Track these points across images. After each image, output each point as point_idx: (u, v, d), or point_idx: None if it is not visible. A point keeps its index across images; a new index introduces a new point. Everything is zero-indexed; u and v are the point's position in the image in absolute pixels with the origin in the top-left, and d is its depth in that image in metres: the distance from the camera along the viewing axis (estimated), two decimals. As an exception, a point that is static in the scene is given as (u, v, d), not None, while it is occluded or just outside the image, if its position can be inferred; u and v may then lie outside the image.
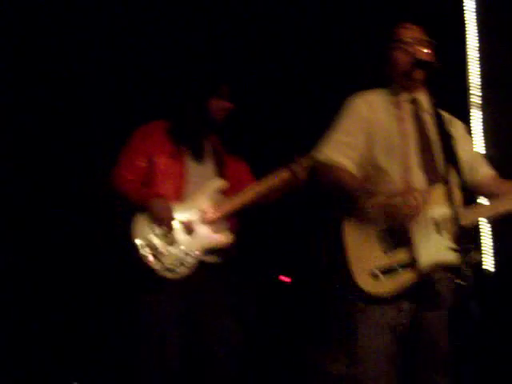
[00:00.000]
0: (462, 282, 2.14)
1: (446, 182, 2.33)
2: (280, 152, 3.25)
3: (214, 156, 3.23)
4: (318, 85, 4.22)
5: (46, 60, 4.16)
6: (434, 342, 2.51)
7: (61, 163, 4.18)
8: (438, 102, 2.52)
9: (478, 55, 4.09)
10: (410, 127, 2.62)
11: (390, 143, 2.59)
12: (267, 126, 4.26)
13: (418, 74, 2.60)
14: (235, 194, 3.14)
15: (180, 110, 3.23)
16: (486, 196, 2.76)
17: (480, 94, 4.08)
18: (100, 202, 3.75)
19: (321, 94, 4.02)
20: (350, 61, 4.12)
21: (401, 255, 2.46)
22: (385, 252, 2.48)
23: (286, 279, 4.23)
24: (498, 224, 3.76)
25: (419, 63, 2.57)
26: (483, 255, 3.98)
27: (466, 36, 4.11)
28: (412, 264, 2.43)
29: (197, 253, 3.02)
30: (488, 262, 3.99)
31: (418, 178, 2.55)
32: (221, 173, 3.20)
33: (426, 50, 2.60)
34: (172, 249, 3.00)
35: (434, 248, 2.45)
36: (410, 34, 2.65)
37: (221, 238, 3.09)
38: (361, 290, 2.45)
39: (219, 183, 3.16)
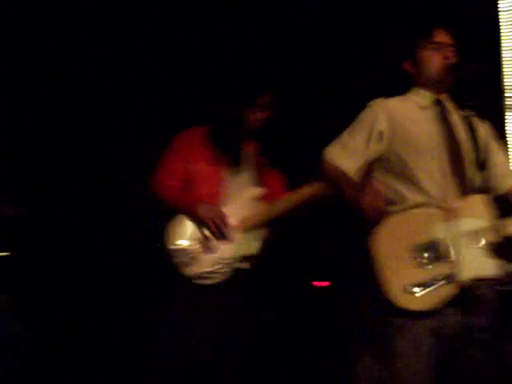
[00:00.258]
0: (503, 288, 2.10)
1: (478, 190, 2.30)
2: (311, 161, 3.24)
3: (251, 165, 3.22)
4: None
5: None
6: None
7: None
8: (472, 105, 2.50)
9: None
10: (436, 130, 2.56)
11: (416, 149, 2.52)
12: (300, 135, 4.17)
13: (450, 77, 2.55)
14: (270, 203, 3.13)
15: (218, 117, 3.22)
16: None
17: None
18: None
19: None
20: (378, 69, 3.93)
21: (439, 269, 2.38)
22: (420, 267, 2.39)
23: (323, 283, 4.17)
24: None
25: (452, 65, 2.53)
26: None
27: (501, 37, 3.99)
28: (451, 277, 2.36)
29: (231, 260, 3.01)
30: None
31: (448, 185, 2.48)
32: (258, 180, 3.19)
33: (457, 53, 2.56)
34: (206, 255, 3.00)
35: (474, 261, 2.36)
36: (443, 35, 2.61)
37: (256, 246, 3.09)
38: (398, 308, 2.37)
39: (256, 191, 3.15)
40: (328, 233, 4.02)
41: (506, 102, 3.99)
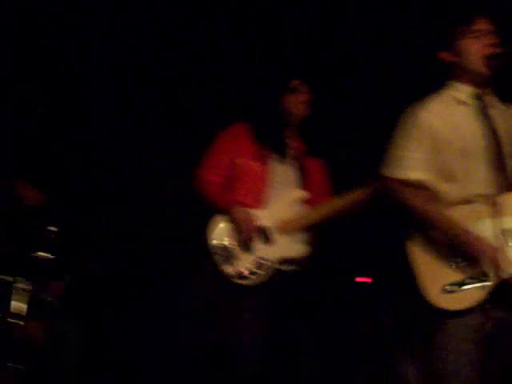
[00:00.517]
0: None
1: None
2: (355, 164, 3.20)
3: (296, 159, 3.21)
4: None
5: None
6: None
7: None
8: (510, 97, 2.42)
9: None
10: (477, 127, 2.47)
11: (459, 148, 2.45)
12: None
13: (490, 67, 2.43)
14: (315, 201, 3.12)
15: (258, 111, 3.23)
16: None
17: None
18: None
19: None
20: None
21: (478, 268, 2.35)
22: (458, 266, 2.37)
23: (366, 279, 4.13)
24: None
25: (493, 55, 2.41)
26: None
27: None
28: (490, 276, 2.33)
29: (272, 261, 2.99)
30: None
31: (491, 182, 2.42)
32: (303, 177, 3.18)
33: (497, 42, 2.43)
34: (247, 255, 2.98)
35: None
36: (484, 22, 2.46)
37: (297, 248, 3.07)
38: (438, 308, 2.35)
39: (300, 194, 3.14)
40: (370, 229, 3.96)
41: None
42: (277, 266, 2.99)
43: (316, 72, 3.55)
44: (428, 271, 2.39)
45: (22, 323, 2.95)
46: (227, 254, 2.96)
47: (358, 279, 4.07)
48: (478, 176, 2.43)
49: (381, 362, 3.72)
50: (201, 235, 3.00)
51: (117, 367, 3.81)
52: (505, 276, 2.31)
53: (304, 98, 3.15)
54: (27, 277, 3.02)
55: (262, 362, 2.95)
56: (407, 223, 2.50)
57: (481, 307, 2.35)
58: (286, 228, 3.04)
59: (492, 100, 2.54)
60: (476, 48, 2.44)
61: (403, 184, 2.49)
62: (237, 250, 2.98)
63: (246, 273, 2.94)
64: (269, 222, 3.04)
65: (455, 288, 2.35)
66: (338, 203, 3.09)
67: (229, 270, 2.95)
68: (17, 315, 2.96)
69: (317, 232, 3.18)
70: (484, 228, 2.37)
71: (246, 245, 2.98)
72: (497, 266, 2.31)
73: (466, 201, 2.43)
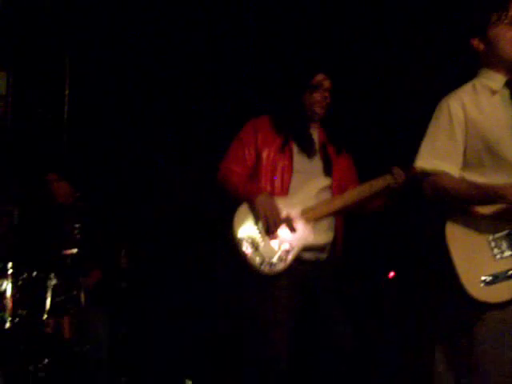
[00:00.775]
0: None
1: None
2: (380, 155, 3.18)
3: (321, 150, 3.22)
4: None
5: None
6: None
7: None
8: None
9: None
10: (508, 116, 2.44)
11: (490, 140, 2.43)
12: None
13: None
14: (339, 190, 3.14)
15: (280, 105, 3.24)
16: None
17: None
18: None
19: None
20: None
21: None
22: (498, 257, 2.35)
23: (391, 273, 4.10)
24: None
25: None
26: None
27: None
28: None
29: (296, 250, 3.00)
30: None
31: None
32: (328, 168, 3.19)
33: None
34: (272, 244, 2.99)
35: None
36: None
37: (321, 236, 3.07)
38: (476, 301, 2.33)
39: (325, 182, 3.15)
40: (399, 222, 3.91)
41: None
42: (301, 254, 3.01)
43: (339, 66, 3.55)
44: (466, 261, 2.36)
45: (52, 320, 2.98)
46: (253, 244, 2.97)
47: (391, 274, 4.04)
48: (509, 165, 2.41)
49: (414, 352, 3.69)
50: (223, 230, 3.01)
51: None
52: None
53: (323, 96, 3.16)
54: (58, 273, 3.04)
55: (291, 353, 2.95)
56: (444, 212, 2.46)
57: None
58: (311, 216, 3.05)
59: None
60: (510, 36, 2.40)
61: (433, 175, 2.48)
62: (262, 239, 2.98)
63: (274, 260, 2.95)
64: (294, 209, 3.05)
65: (496, 279, 2.32)
66: (362, 190, 3.11)
67: (256, 260, 2.95)
68: (49, 311, 2.98)
69: (344, 220, 3.20)
70: None
71: (271, 233, 2.99)
72: None
73: None
